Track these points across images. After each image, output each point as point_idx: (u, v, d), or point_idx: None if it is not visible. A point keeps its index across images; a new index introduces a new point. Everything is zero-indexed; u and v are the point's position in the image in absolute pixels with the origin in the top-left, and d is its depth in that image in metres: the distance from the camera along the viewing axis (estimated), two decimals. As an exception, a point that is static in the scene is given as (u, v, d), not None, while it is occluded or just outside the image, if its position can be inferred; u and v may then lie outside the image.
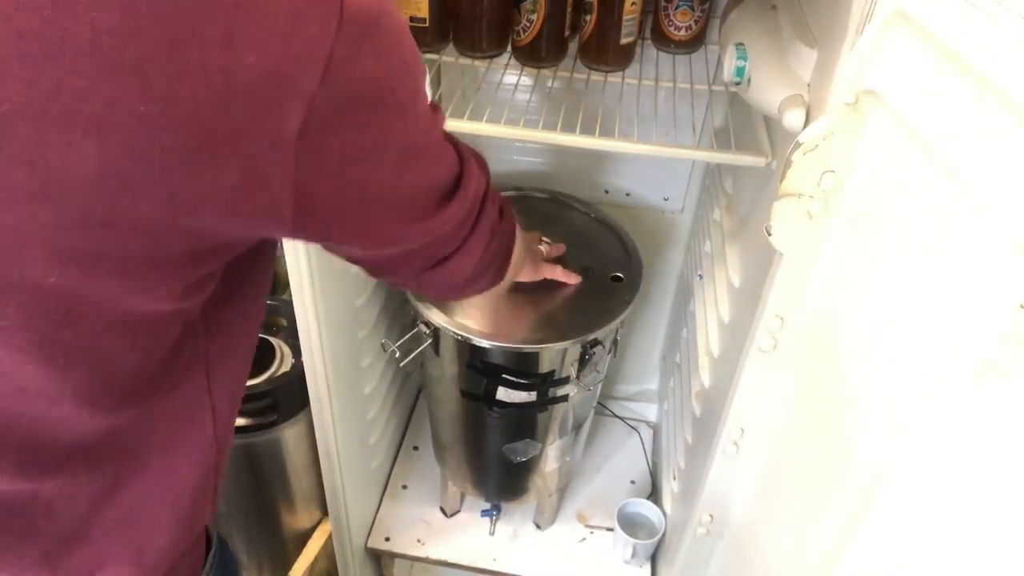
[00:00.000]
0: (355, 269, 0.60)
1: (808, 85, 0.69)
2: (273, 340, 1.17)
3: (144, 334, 0.45)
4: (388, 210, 0.50)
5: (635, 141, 0.84)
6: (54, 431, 0.45)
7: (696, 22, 0.95)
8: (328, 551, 1.29)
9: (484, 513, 1.34)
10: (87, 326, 0.41)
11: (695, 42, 0.97)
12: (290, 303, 0.90)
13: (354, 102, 0.40)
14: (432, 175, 0.53)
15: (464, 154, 0.57)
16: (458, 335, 0.98)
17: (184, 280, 0.43)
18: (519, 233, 0.70)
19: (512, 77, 0.96)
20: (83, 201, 0.35)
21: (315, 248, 0.83)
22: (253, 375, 1.12)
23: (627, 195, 1.33)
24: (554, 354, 1.01)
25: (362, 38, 0.38)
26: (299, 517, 1.30)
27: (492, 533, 1.34)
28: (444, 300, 0.96)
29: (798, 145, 0.66)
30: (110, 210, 0.36)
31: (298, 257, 0.84)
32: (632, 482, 1.44)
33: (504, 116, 0.88)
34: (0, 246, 0.36)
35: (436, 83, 1.14)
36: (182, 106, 0.34)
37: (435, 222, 0.54)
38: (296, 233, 0.44)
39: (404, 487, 1.41)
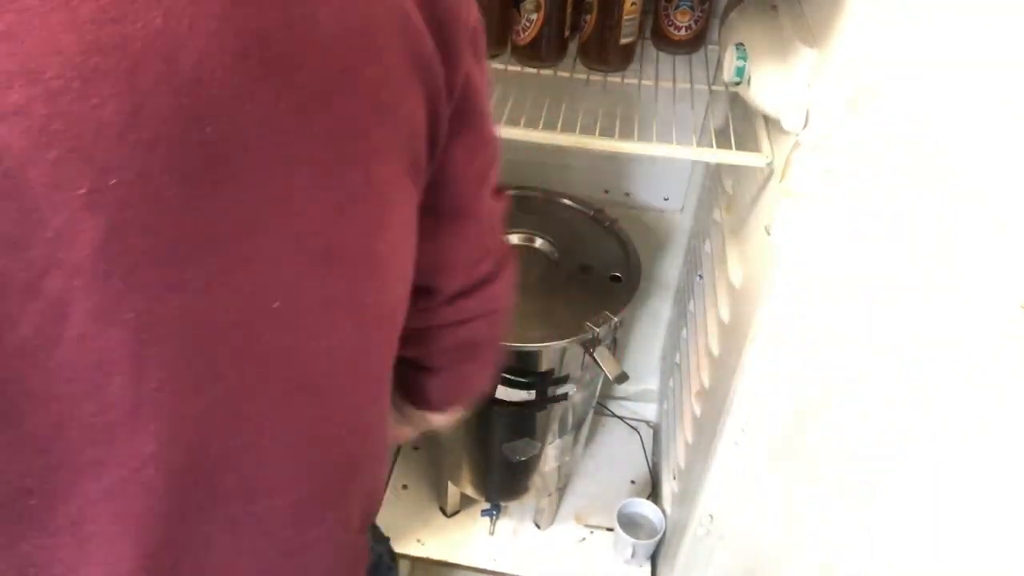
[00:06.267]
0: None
1: (808, 85, 0.69)
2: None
3: None
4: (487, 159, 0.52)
5: (635, 141, 0.84)
6: None
7: (696, 22, 0.95)
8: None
9: (484, 513, 1.34)
10: None
11: (695, 42, 0.97)
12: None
13: None
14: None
15: None
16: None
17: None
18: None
19: (512, 77, 0.96)
20: None
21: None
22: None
23: (627, 195, 1.33)
24: (552, 353, 1.01)
25: None
26: (299, 517, 1.30)
27: (492, 533, 1.34)
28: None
29: (798, 145, 0.66)
30: None
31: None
32: (632, 482, 1.44)
33: (504, 116, 0.88)
34: None
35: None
36: None
37: (497, 205, 0.56)
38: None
39: (404, 487, 1.41)
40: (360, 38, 0.37)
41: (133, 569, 0.38)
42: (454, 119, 0.45)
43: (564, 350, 1.01)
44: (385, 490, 0.60)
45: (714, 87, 0.96)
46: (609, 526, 1.32)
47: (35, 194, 0.29)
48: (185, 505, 0.39)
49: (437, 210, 0.49)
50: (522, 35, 0.92)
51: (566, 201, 1.21)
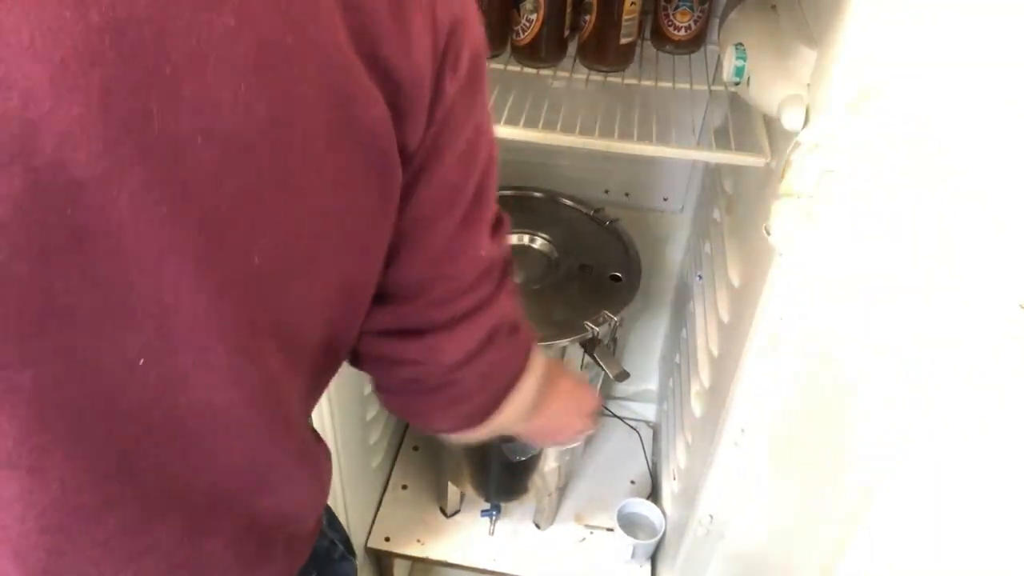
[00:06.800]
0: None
1: (808, 85, 0.69)
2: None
3: None
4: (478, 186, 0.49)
5: (635, 141, 0.84)
6: None
7: (696, 22, 0.95)
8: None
9: (484, 513, 1.34)
10: None
11: (695, 42, 0.97)
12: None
13: None
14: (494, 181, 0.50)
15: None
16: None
17: None
18: (539, 359, 0.62)
19: (512, 77, 0.96)
20: None
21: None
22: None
23: (627, 195, 1.33)
24: (552, 353, 1.01)
25: None
26: (299, 517, 1.30)
27: (492, 533, 1.34)
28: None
29: (798, 145, 0.66)
30: None
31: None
32: (632, 482, 1.44)
33: (504, 116, 0.88)
34: None
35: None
36: None
37: (490, 246, 0.51)
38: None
39: (404, 487, 1.41)
40: (272, 118, 0.34)
41: None
42: (418, 169, 0.43)
43: (564, 350, 1.01)
44: (325, 496, 0.58)
45: (714, 87, 0.96)
46: (609, 526, 1.32)
47: None
48: (59, 543, 0.39)
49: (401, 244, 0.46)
50: (522, 35, 0.92)
51: (566, 201, 1.21)
